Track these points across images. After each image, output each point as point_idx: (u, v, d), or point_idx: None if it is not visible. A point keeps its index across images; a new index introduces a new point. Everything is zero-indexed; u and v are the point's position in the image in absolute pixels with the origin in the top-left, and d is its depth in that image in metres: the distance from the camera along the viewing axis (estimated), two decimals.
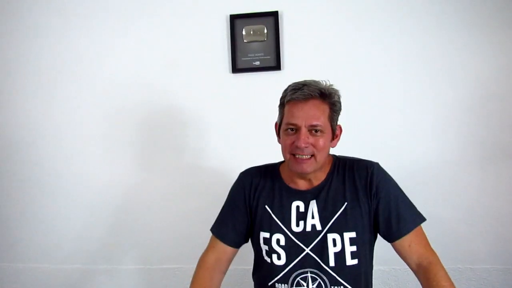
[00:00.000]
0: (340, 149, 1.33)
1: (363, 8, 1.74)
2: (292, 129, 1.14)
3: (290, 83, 1.18)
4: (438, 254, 1.69)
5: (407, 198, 1.20)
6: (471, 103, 1.69)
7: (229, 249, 1.25)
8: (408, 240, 1.14)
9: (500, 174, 1.68)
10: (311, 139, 1.12)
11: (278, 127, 1.21)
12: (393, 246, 1.18)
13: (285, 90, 1.18)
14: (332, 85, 1.17)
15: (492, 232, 1.68)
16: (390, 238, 1.17)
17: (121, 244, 1.86)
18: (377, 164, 1.22)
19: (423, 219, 1.18)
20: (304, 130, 1.11)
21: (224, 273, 1.26)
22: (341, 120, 1.71)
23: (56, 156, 1.88)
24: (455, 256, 1.70)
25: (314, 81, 1.16)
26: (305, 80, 1.16)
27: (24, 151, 1.90)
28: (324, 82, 1.17)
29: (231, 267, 1.27)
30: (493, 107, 1.68)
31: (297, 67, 1.76)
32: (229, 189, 1.31)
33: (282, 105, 1.18)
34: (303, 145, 1.11)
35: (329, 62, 1.76)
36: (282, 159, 1.23)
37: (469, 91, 1.69)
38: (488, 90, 1.68)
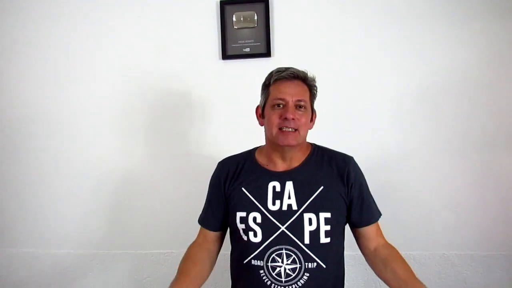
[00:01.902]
0: (326, 138, 1.36)
1: None
2: (279, 105, 1.22)
3: None
4: (424, 239, 1.74)
5: (371, 195, 1.33)
6: (458, 93, 1.70)
7: (212, 233, 1.35)
8: (375, 228, 1.29)
9: (486, 163, 1.70)
10: (297, 114, 1.21)
11: (262, 109, 1.29)
12: (358, 231, 1.30)
13: (269, 74, 1.27)
14: (308, 73, 1.27)
15: (477, 219, 1.71)
16: (361, 223, 1.28)
17: (112, 229, 1.88)
18: (353, 157, 1.32)
19: (381, 214, 1.33)
20: (291, 104, 1.21)
21: (213, 252, 1.34)
22: (327, 108, 1.74)
23: (48, 142, 1.88)
24: (441, 243, 1.73)
25: (295, 68, 1.26)
26: (286, 66, 1.26)
27: (17, 136, 1.90)
28: (303, 70, 1.27)
29: None
30: (480, 97, 1.69)
31: (287, 54, 1.76)
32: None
33: (267, 86, 1.27)
34: (291, 116, 1.19)
35: (319, 50, 1.75)
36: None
37: (457, 81, 1.70)
38: (475, 79, 1.69)
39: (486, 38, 1.68)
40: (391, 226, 1.69)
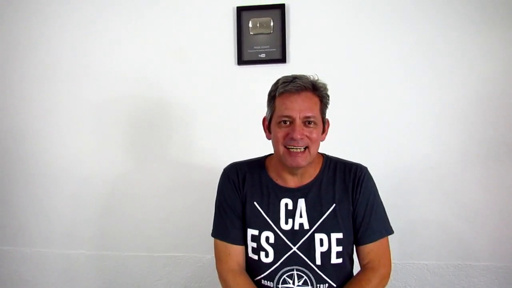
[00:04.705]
0: (340, 146, 1.34)
1: (370, 3, 1.73)
2: (285, 122, 1.14)
3: None
4: (438, 249, 1.71)
5: (382, 209, 1.24)
6: (475, 101, 1.68)
7: (242, 248, 1.23)
8: (369, 248, 1.20)
9: (503, 172, 1.68)
10: (306, 131, 1.13)
11: (268, 122, 1.21)
12: (355, 246, 1.24)
13: (275, 84, 1.18)
14: (319, 79, 1.18)
15: (493, 230, 1.68)
16: (355, 242, 1.22)
17: (125, 232, 1.89)
18: (366, 169, 1.24)
19: (390, 233, 1.22)
20: (299, 122, 1.12)
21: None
22: (344, 116, 1.72)
23: (59, 145, 1.91)
24: (456, 253, 1.70)
25: (304, 75, 1.17)
26: (294, 74, 1.17)
27: (28, 140, 1.93)
28: (312, 76, 1.17)
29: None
30: (497, 105, 1.67)
31: (302, 60, 1.76)
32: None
33: (272, 99, 1.18)
34: (299, 136, 1.11)
35: (334, 57, 1.75)
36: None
37: (473, 89, 1.68)
38: (493, 87, 1.67)
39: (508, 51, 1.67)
40: (405, 235, 1.69)
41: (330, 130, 1.26)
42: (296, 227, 1.18)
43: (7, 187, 1.95)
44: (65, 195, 1.92)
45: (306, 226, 1.17)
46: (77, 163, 1.90)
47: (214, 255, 1.27)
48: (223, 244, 1.22)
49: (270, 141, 1.23)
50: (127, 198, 1.89)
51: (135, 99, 1.86)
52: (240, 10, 1.77)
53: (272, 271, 1.17)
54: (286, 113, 1.13)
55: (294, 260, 1.17)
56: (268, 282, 1.18)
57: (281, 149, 1.14)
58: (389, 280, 1.71)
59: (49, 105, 1.91)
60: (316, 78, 1.17)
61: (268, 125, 1.22)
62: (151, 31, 1.84)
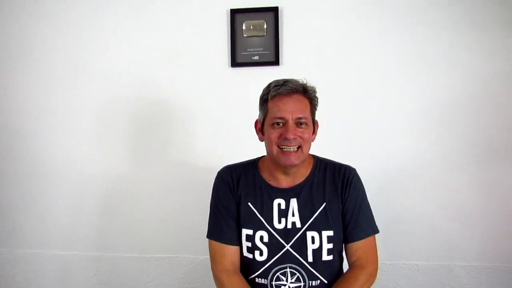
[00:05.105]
0: (333, 147, 1.35)
1: (363, 5, 1.75)
2: (279, 123, 1.17)
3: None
4: (428, 250, 1.73)
5: (369, 210, 1.28)
6: (468, 103, 1.71)
7: (236, 248, 1.25)
8: (357, 245, 1.24)
9: (494, 173, 1.70)
10: (298, 132, 1.17)
11: (261, 124, 1.25)
12: (344, 245, 1.28)
13: (267, 88, 1.22)
14: (308, 82, 1.22)
15: (482, 230, 1.71)
16: (344, 239, 1.25)
17: (118, 233, 1.89)
18: (355, 170, 1.28)
19: (376, 231, 1.27)
20: (291, 123, 1.16)
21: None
22: (336, 118, 1.74)
23: (53, 145, 1.91)
24: (445, 253, 1.73)
25: (293, 79, 1.21)
26: (284, 78, 1.21)
27: (23, 140, 1.93)
28: (301, 79, 1.21)
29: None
30: (489, 108, 1.70)
31: (295, 63, 1.78)
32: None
33: (265, 102, 1.21)
34: (292, 136, 1.15)
35: (327, 59, 1.77)
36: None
37: (465, 90, 1.71)
38: (485, 88, 1.70)
39: (500, 53, 1.69)
40: (395, 236, 1.71)
41: (323, 131, 1.29)
42: (289, 226, 1.22)
43: (1, 187, 1.95)
44: (60, 196, 1.91)
45: (298, 225, 1.21)
46: (73, 164, 1.90)
47: (207, 256, 1.28)
48: (218, 244, 1.25)
49: (263, 142, 1.26)
50: (124, 198, 1.89)
51: (129, 99, 1.86)
52: (234, 13, 1.78)
53: (266, 268, 1.21)
54: (279, 114, 1.17)
55: (287, 258, 1.20)
56: (262, 279, 1.21)
57: (275, 149, 1.18)
58: (380, 281, 1.76)
59: (44, 105, 1.90)
60: (305, 82, 1.21)
61: (261, 127, 1.25)
62: (146, 32, 1.84)
